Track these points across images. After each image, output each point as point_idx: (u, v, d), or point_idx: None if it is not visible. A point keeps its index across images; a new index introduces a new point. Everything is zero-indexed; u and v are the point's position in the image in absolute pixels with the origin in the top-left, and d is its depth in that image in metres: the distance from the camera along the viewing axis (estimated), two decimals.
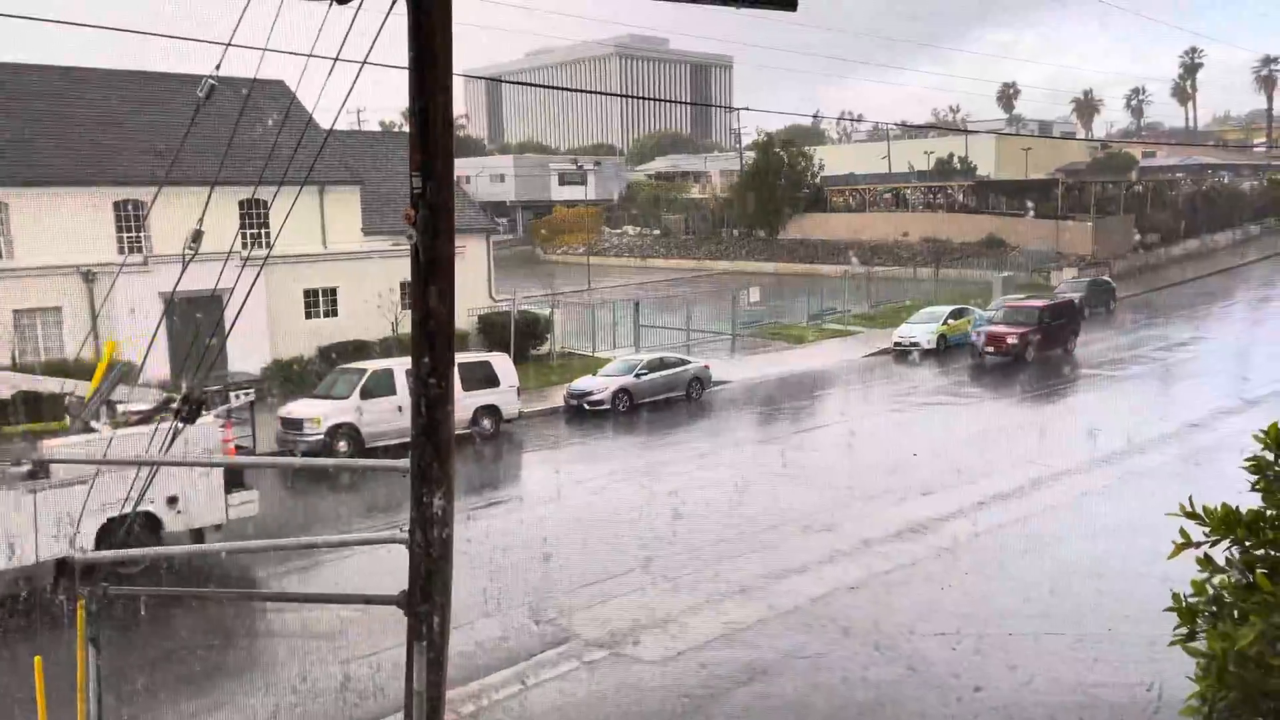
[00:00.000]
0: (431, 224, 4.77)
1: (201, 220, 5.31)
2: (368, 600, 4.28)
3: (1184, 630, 4.16)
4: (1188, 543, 4.06)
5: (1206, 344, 35.14)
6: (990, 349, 32.84)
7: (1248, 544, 3.99)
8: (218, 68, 5.42)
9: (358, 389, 22.77)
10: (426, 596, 4.44)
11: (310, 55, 6.76)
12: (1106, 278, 45.55)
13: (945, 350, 34.69)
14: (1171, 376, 30.04)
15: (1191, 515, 4.09)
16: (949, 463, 20.16)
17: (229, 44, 6.57)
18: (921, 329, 35.20)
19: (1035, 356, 32.32)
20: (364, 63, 6.41)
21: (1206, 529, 4.08)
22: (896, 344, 35.03)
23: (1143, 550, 12.84)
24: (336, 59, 6.29)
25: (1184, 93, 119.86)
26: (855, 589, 13.67)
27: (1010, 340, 32.44)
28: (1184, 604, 4.19)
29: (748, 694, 10.69)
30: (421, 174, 4.88)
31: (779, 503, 17.75)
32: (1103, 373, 30.61)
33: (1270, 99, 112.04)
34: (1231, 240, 62.93)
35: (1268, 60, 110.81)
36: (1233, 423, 21.55)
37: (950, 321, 35.77)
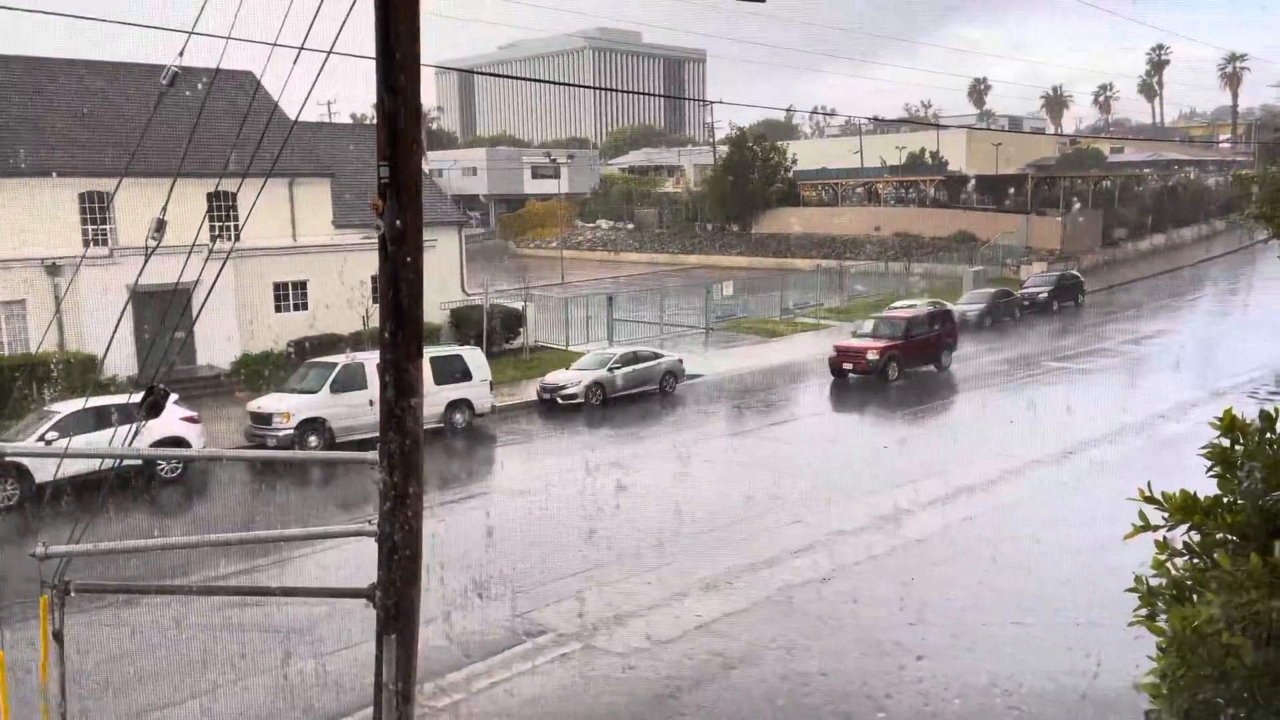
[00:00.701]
0: (399, 213, 4.72)
1: (165, 209, 5.21)
2: (337, 594, 4.23)
3: (1144, 611, 4.24)
4: (1146, 526, 4.12)
5: (1172, 338, 35.63)
6: (848, 366, 28.51)
7: (1205, 529, 4.05)
8: (181, 54, 5.32)
9: (328, 383, 22.57)
10: (395, 589, 4.39)
11: (275, 44, 6.65)
12: (1075, 272, 46.04)
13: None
14: (1140, 370, 30.43)
15: (1150, 500, 4.14)
16: (917, 454, 20.30)
17: (192, 31, 6.44)
18: None
19: (899, 374, 28.46)
20: (330, 52, 6.32)
21: (1165, 514, 4.15)
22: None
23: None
24: (302, 47, 6.19)
25: (1150, 89, 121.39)
26: (826, 580, 13.73)
27: (870, 356, 28.16)
28: (1145, 585, 4.27)
29: (719, 685, 10.71)
30: (389, 163, 4.82)
31: (750, 496, 17.78)
32: (1072, 365, 30.94)
33: (1235, 95, 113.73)
34: (1197, 235, 63.81)
35: (1233, 57, 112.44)
36: (1196, 414, 21.88)
37: None
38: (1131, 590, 4.30)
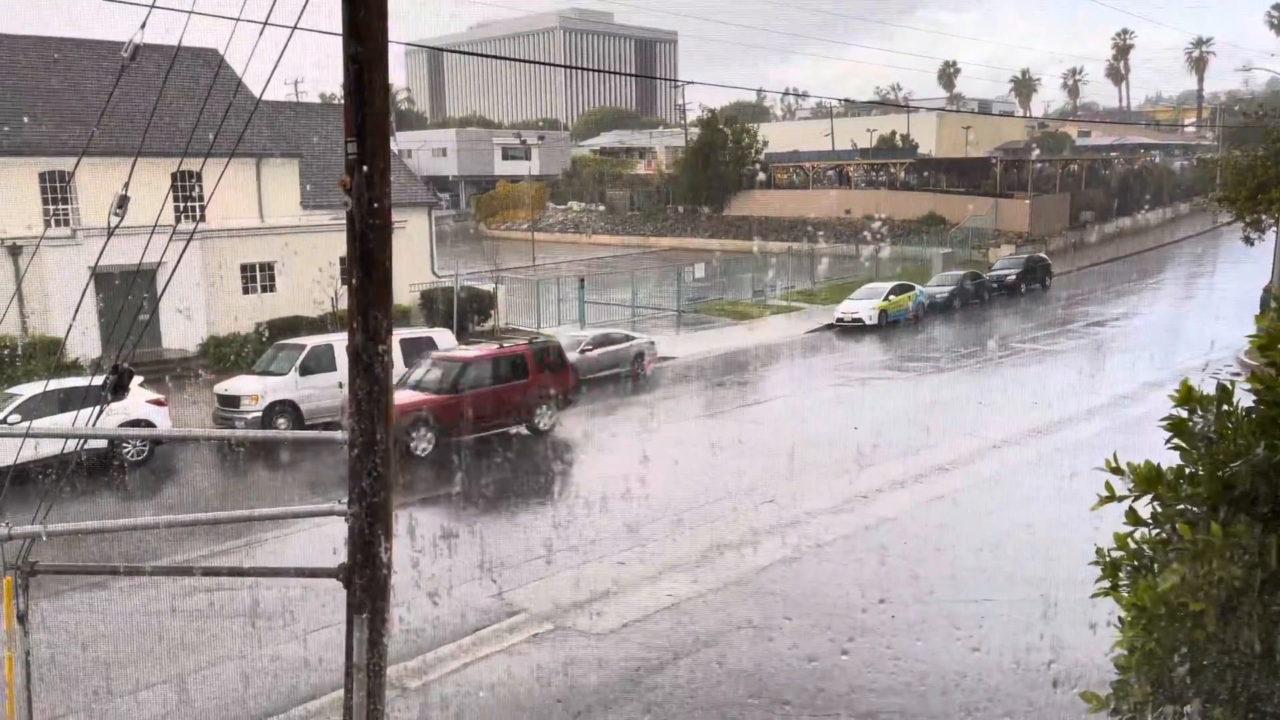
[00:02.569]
0: (367, 189, 4.67)
1: (127, 186, 5.13)
2: (307, 574, 4.20)
3: (1107, 583, 4.31)
4: (1111, 496, 4.19)
5: (1137, 320, 36.13)
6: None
7: (1167, 501, 4.14)
8: (143, 27, 5.22)
9: (297, 365, 22.38)
10: (366, 569, 4.38)
11: (239, 19, 6.54)
12: (1043, 254, 46.50)
13: (886, 325, 35.17)
14: (1105, 351, 30.88)
15: (1116, 470, 4.21)
16: (889, 435, 20.48)
17: (153, 5, 6.32)
18: (864, 305, 35.63)
19: (432, 445, 19.51)
20: (294, 27, 6.21)
21: (1131, 485, 4.22)
22: (839, 320, 35.41)
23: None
24: (266, 22, 6.09)
25: (1117, 74, 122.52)
26: (794, 560, 13.85)
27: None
28: (1107, 558, 4.34)
29: (690, 663, 10.79)
30: (357, 138, 4.76)
31: (720, 476, 17.88)
32: (1036, 346, 31.30)
33: (1201, 80, 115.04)
34: (1163, 218, 64.62)
35: (1199, 42, 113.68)
36: (1159, 395, 22.21)
37: (891, 297, 36.26)
38: (1094, 563, 4.37)
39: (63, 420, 16.21)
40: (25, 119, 29.84)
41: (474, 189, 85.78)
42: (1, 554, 4.42)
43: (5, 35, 32.55)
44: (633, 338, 29.30)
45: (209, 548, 14.27)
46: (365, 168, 4.59)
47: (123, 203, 4.92)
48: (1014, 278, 42.56)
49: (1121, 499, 4.25)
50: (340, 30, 4.47)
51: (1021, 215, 54.86)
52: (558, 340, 25.25)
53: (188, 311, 27.62)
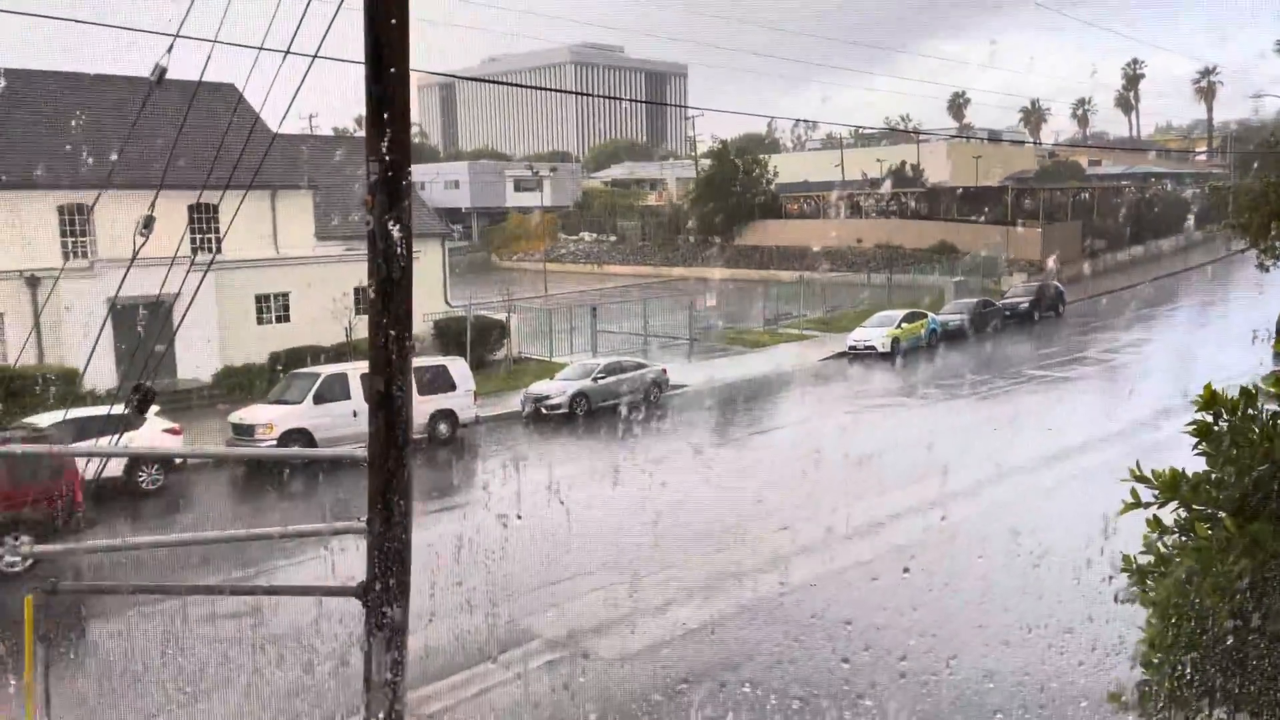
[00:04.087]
0: (389, 208, 4.72)
1: (153, 206, 5.20)
2: (327, 592, 4.20)
3: (1135, 588, 4.34)
4: (1136, 503, 4.21)
5: (1150, 347, 35.97)
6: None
7: (1194, 506, 4.15)
8: (170, 50, 5.31)
9: (311, 394, 22.47)
10: (386, 588, 4.37)
11: (261, 49, 6.66)
12: (1055, 282, 46.43)
13: (899, 353, 35.10)
14: (1119, 378, 30.72)
15: (1141, 478, 4.23)
16: (907, 462, 20.37)
17: (177, 34, 6.44)
18: (876, 333, 35.60)
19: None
20: (315, 55, 6.32)
21: (1156, 492, 4.24)
22: (851, 348, 35.38)
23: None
24: (288, 51, 6.19)
25: (1127, 103, 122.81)
26: (814, 586, 13.74)
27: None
28: (1134, 564, 4.36)
29: (710, 687, 10.69)
30: (379, 160, 4.82)
31: (735, 503, 17.80)
32: (1050, 374, 31.15)
33: (1210, 109, 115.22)
34: (1175, 246, 64.47)
35: (1206, 72, 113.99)
36: (1176, 423, 22.06)
37: (904, 326, 36.22)
38: (1124, 570, 4.38)
39: (81, 450, 16.28)
40: (43, 153, 30.25)
41: (486, 220, 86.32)
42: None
43: (24, 70, 33.09)
44: (645, 366, 29.34)
45: (231, 574, 14.26)
46: (388, 187, 4.64)
47: (149, 223, 4.98)
48: (1026, 306, 42.49)
49: (1146, 505, 4.27)
50: (354, 58, 4.54)
51: (1033, 243, 54.85)
52: (52, 430, 17.50)
53: (206, 341, 27.80)
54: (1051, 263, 51.95)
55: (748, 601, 13.24)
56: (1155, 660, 4.10)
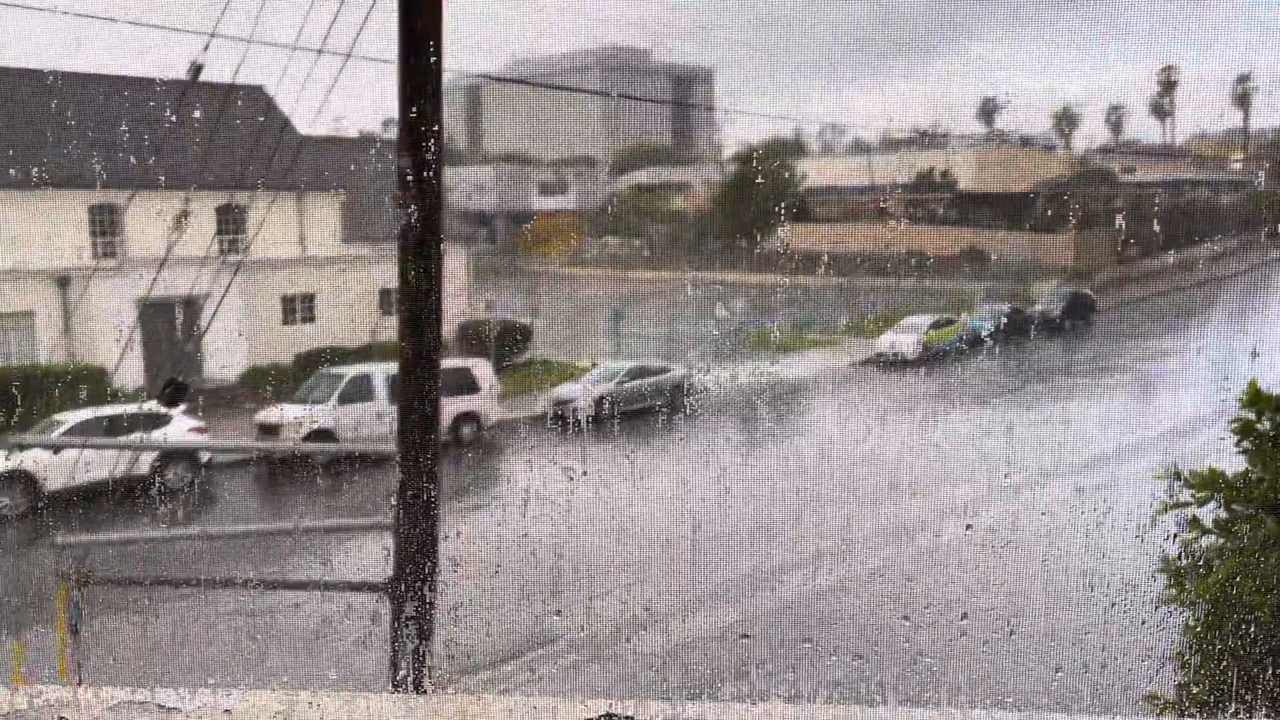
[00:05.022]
0: (421, 204, 4.59)
1: (187, 201, 5.09)
2: (352, 587, 4.08)
3: (1173, 590, 4.25)
4: (1174, 504, 4.08)
5: (1186, 356, 35.38)
6: None
7: (1235, 507, 4.01)
8: (206, 49, 5.21)
9: (336, 394, 22.50)
10: (412, 583, 4.27)
11: (295, 47, 6.57)
12: (1087, 290, 45.88)
13: (928, 359, 34.74)
14: (1155, 385, 30.24)
15: (1177, 477, 4.08)
16: (940, 467, 20.08)
17: (212, 34, 6.36)
18: (905, 338, 35.26)
19: None
20: (349, 55, 6.21)
21: (1193, 492, 4.10)
22: (879, 353, 35.06)
23: None
24: (320, 50, 6.10)
25: (1161, 109, 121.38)
26: (848, 590, 13.51)
27: None
28: (1174, 565, 4.24)
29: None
30: (410, 158, 4.70)
31: (762, 508, 17.57)
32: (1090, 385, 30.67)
33: (1246, 116, 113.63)
34: (1210, 253, 63.51)
35: (1242, 78, 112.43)
36: (1215, 431, 21.63)
37: (933, 331, 35.85)
38: (1161, 570, 4.27)
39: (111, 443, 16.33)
40: (75, 154, 30.52)
41: (511, 223, 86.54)
42: (56, 565, 4.36)
43: (55, 72, 33.44)
44: (669, 369, 29.18)
45: (251, 570, 14.19)
46: (419, 185, 4.52)
47: (183, 217, 4.87)
48: (1058, 312, 41.96)
49: (1184, 506, 4.13)
50: (385, 58, 4.41)
51: (1065, 250, 54.22)
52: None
53: (232, 341, 27.94)
54: (1083, 269, 51.39)
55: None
56: (1196, 661, 4.00)
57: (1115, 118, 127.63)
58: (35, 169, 29.81)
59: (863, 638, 12.33)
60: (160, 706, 2.14)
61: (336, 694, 2.35)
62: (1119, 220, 60.35)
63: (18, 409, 22.60)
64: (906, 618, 12.74)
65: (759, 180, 65.85)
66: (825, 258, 60.37)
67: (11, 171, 29.39)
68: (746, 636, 12.31)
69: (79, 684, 4.66)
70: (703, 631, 12.87)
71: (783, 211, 66.27)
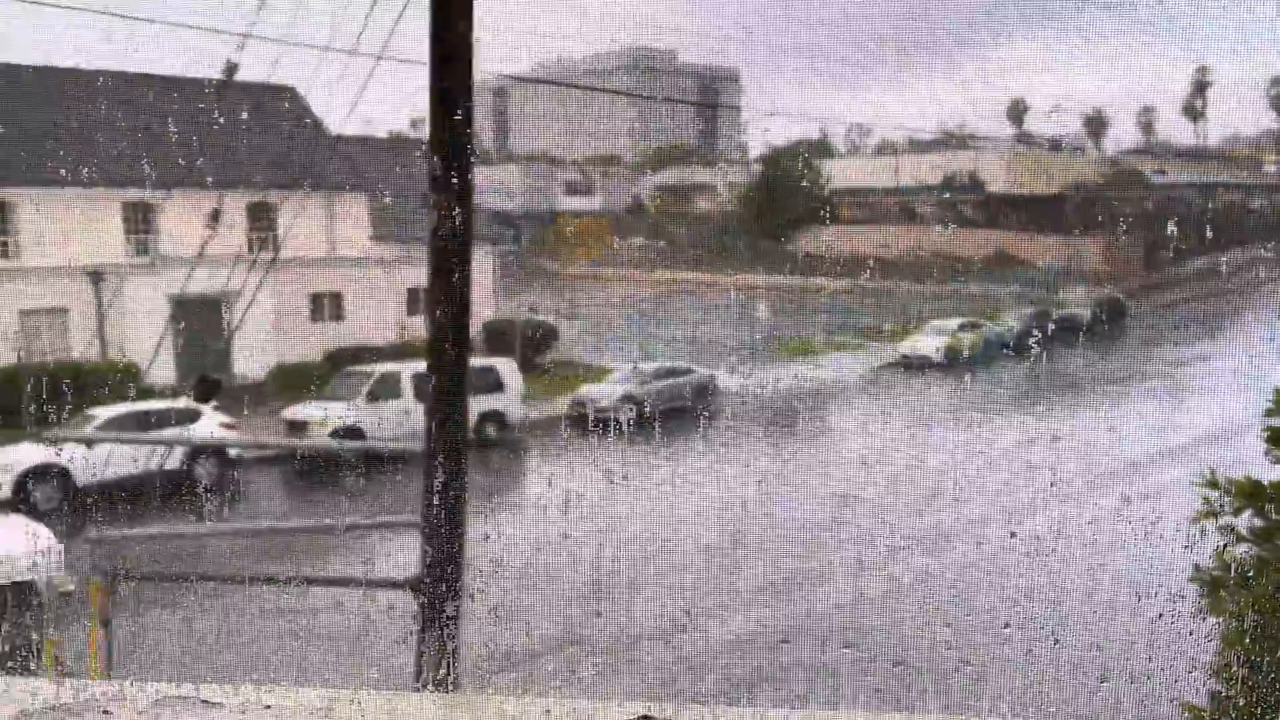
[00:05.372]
0: (451, 205, 4.63)
1: (221, 201, 5.16)
2: (380, 585, 4.13)
3: (1207, 600, 4.20)
4: (1210, 511, 4.03)
5: (1218, 362, 34.91)
6: None
7: (1273, 515, 3.97)
8: (241, 48, 5.30)
9: (364, 392, 22.67)
10: (438, 582, 4.30)
11: (327, 49, 6.65)
12: (1118, 295, 45.42)
13: (953, 363, 34.51)
14: (1186, 391, 29.88)
15: (1214, 485, 4.03)
16: (963, 476, 19.93)
17: (247, 35, 6.45)
18: (930, 341, 35.04)
19: None
20: (380, 56, 6.27)
21: (1231, 501, 4.05)
22: (905, 357, 34.86)
23: None
24: (353, 51, 6.16)
25: (1194, 111, 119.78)
26: (875, 600, 13.46)
27: None
28: (1208, 575, 4.19)
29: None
30: (442, 155, 4.74)
31: (788, 513, 17.52)
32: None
33: None
34: (1244, 258, 62.63)
35: (1276, 81, 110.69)
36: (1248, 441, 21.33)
37: (959, 335, 35.60)
38: (1194, 580, 4.22)
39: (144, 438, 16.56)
40: (108, 152, 30.93)
41: (537, 224, 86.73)
42: (90, 559, 4.43)
43: (88, 71, 33.86)
44: (694, 371, 29.15)
45: (278, 567, 14.34)
46: (449, 184, 4.55)
47: (216, 216, 4.95)
48: (1087, 317, 41.53)
49: (1221, 514, 4.08)
50: (416, 59, 4.45)
51: (1095, 254, 53.69)
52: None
53: (261, 338, 28.21)
54: (1112, 273, 50.85)
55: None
56: (1232, 672, 3.96)
57: (1146, 119, 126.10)
58: (86, 169, 30.24)
59: (899, 644, 12.27)
60: (204, 702, 2.19)
61: (378, 693, 2.39)
62: (1150, 223, 59.62)
63: (53, 404, 22.96)
64: (948, 625, 12.67)
65: (786, 181, 65.71)
66: (858, 262, 60.12)
67: (62, 171, 29.86)
68: (786, 641, 12.28)
69: (109, 675, 4.74)
70: (737, 634, 12.86)
71: (809, 213, 66.10)
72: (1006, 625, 12.39)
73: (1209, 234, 60.12)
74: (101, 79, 33.65)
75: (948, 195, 68.79)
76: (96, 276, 27.76)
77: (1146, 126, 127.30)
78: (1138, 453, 20.97)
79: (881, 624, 12.88)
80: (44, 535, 12.09)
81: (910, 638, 12.37)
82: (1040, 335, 38.67)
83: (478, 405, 23.66)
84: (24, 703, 2.16)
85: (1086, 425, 25.87)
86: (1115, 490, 18.48)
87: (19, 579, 10.17)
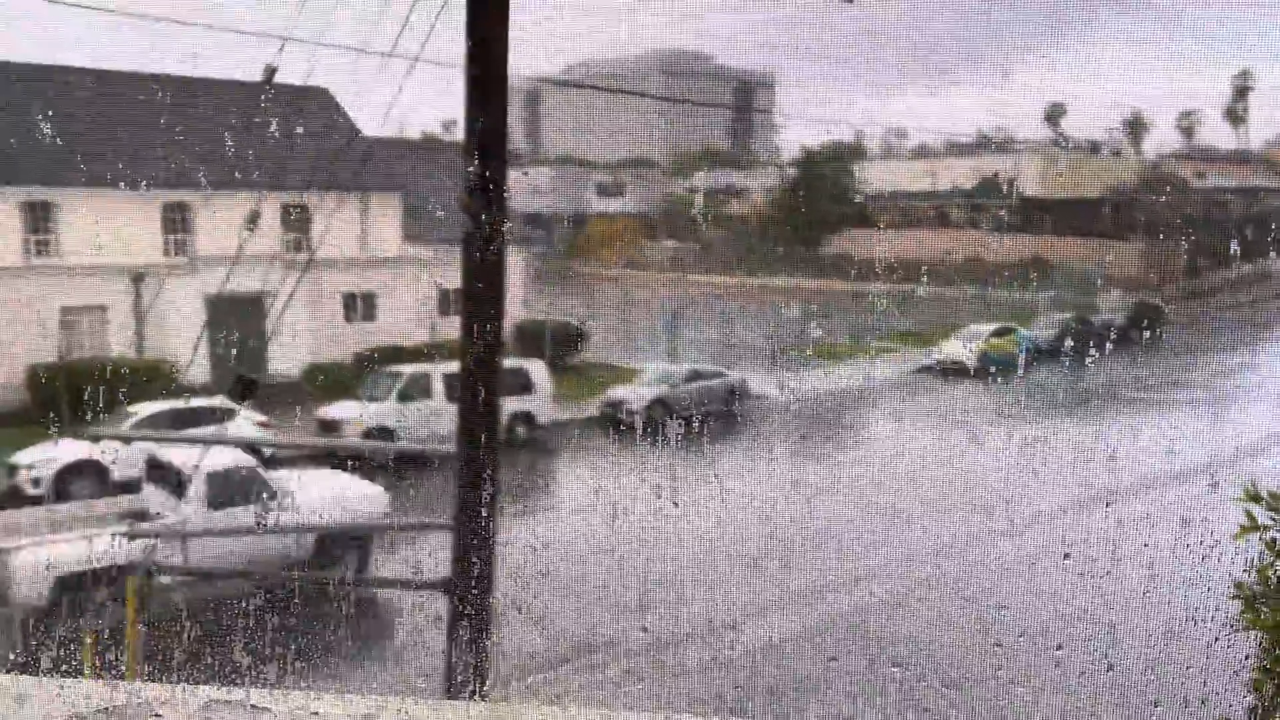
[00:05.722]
0: (485, 207, 4.62)
1: (259, 205, 5.20)
2: (411, 585, 4.12)
3: (1246, 615, 4.13)
4: (1254, 526, 3.95)
5: (1259, 371, 34.29)
6: None
7: None
8: (280, 50, 5.33)
9: (396, 392, 22.80)
10: (470, 582, 4.29)
11: (363, 51, 6.70)
12: (1156, 301, 44.73)
13: (988, 369, 34.11)
14: (1228, 401, 29.33)
15: (1255, 498, 3.94)
16: (997, 480, 19.71)
17: (285, 38, 6.50)
18: (965, 347, 34.69)
19: None
20: (417, 59, 6.29)
21: (1274, 514, 3.97)
22: (938, 362, 34.54)
23: None
24: (389, 54, 6.19)
25: (1236, 115, 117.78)
26: (901, 605, 13.32)
27: None
28: (1249, 590, 4.12)
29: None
30: (476, 161, 4.73)
31: (816, 519, 17.39)
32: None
33: None
34: None
35: None
36: None
37: (993, 340, 35.21)
38: (1234, 597, 4.14)
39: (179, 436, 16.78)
40: (148, 154, 31.40)
41: (568, 226, 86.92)
42: (126, 555, 4.46)
43: (130, 73, 34.41)
44: (725, 374, 29.05)
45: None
46: (484, 188, 4.54)
47: (254, 219, 4.98)
48: (1124, 323, 40.92)
49: (1264, 529, 4.00)
50: (449, 62, 4.44)
51: (1133, 259, 52.94)
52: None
53: (295, 338, 28.49)
54: (1151, 279, 50.11)
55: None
56: (1269, 686, 3.89)
57: (1187, 123, 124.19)
58: (127, 171, 30.70)
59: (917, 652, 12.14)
60: (253, 706, 2.21)
61: (424, 702, 2.40)
62: (1191, 228, 58.66)
63: (92, 400, 23.33)
64: (998, 645, 12.49)
65: (820, 184, 65.42)
66: (891, 265, 59.69)
67: (119, 173, 30.34)
68: (834, 659, 12.16)
69: (143, 671, 4.77)
70: (772, 639, 12.79)
71: (843, 217, 65.75)
72: (1059, 647, 12.22)
73: (1250, 239, 59.06)
74: (141, 81, 34.18)
75: (984, 200, 68.14)
76: (137, 276, 28.16)
77: (1187, 130, 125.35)
78: (1175, 464, 20.62)
79: (906, 631, 12.75)
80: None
81: (940, 642, 12.22)
82: (1076, 341, 38.22)
83: (508, 406, 23.72)
84: (77, 705, 2.20)
85: (1120, 434, 25.48)
86: (1149, 501, 18.17)
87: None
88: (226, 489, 12.87)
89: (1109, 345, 39.43)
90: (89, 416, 22.12)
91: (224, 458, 13.83)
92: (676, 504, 18.39)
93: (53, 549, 10.51)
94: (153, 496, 13.23)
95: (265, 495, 13.16)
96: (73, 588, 9.70)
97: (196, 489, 12.47)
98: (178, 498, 12.71)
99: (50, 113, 30.26)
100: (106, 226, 29.95)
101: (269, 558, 12.37)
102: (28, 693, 2.25)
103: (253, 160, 26.75)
